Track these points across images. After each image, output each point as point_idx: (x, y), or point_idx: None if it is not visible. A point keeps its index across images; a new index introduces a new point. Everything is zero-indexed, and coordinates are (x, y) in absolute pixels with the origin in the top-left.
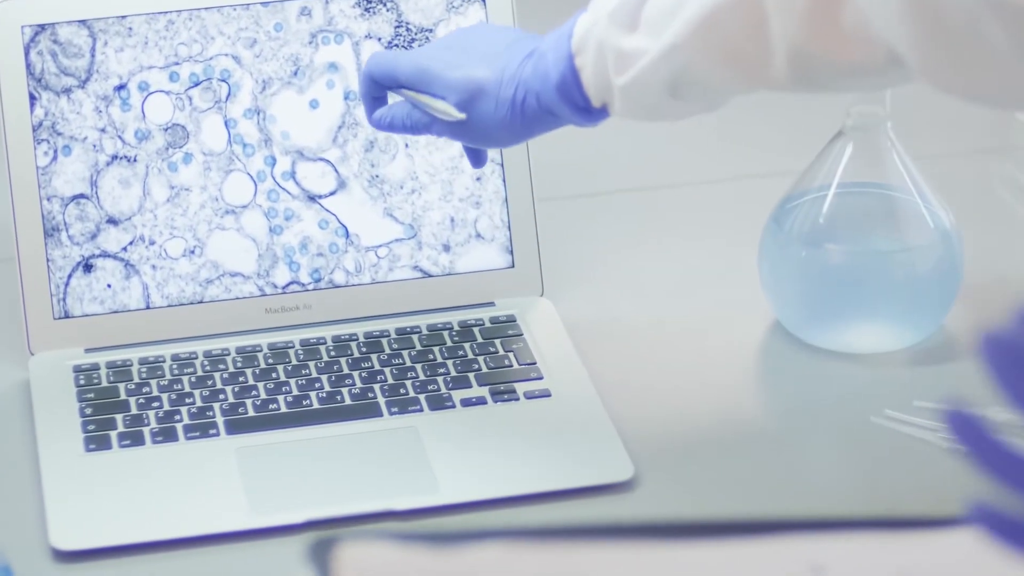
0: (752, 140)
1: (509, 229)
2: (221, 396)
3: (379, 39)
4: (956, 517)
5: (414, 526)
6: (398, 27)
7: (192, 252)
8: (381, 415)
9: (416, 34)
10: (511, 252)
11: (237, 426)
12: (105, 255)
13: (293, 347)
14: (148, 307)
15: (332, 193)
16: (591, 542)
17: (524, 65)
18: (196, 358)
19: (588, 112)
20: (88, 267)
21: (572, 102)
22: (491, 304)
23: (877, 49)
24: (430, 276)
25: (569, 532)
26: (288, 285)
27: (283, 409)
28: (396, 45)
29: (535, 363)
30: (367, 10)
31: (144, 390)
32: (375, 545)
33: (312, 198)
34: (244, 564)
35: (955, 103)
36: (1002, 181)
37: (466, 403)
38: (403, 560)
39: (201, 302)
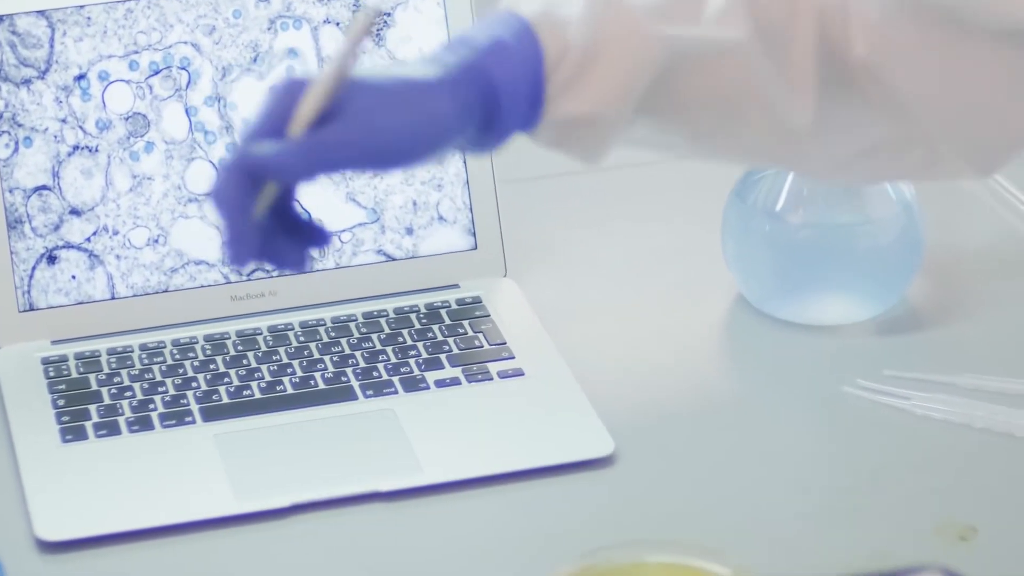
0: None
1: (471, 211)
2: (194, 384)
3: (337, 24)
4: None
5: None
6: (356, 11)
7: (156, 241)
8: (356, 398)
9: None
10: (474, 234)
11: (213, 413)
12: (69, 246)
13: (261, 333)
14: (113, 297)
15: None
16: None
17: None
18: (164, 347)
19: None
20: (52, 259)
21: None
22: (455, 286)
23: None
24: (394, 260)
25: None
26: (253, 272)
27: (257, 395)
28: None
29: (505, 343)
30: None
31: (115, 380)
32: None
33: None
34: (230, 549)
35: None
36: None
37: (440, 384)
38: None
39: (166, 291)
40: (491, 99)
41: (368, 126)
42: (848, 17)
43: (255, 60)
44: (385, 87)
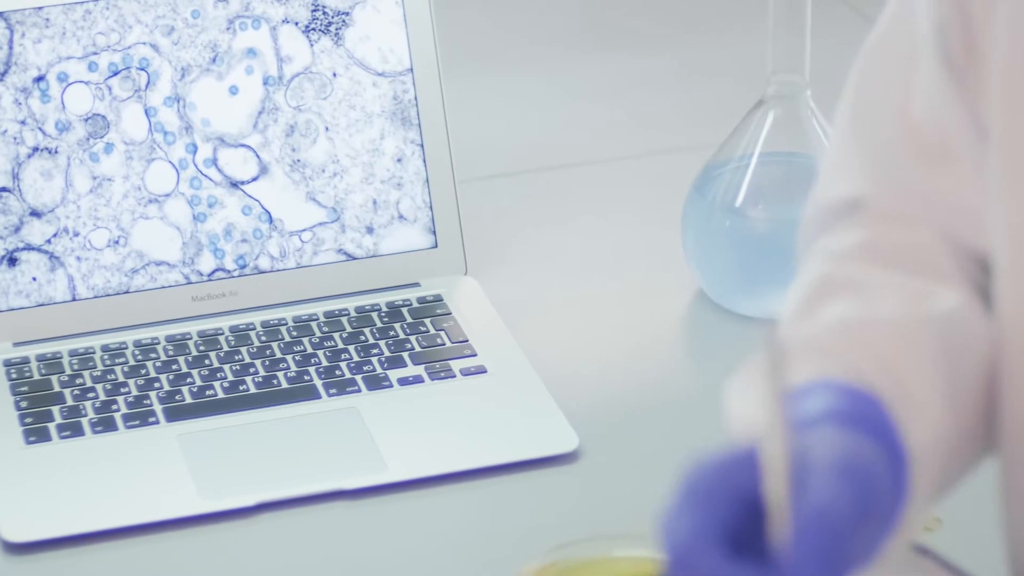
0: (665, 115)
1: (431, 210)
2: (156, 384)
3: (296, 23)
4: None
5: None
6: (315, 11)
7: (116, 242)
8: (319, 397)
9: (332, 17)
10: (434, 233)
11: (176, 413)
12: (29, 248)
13: (223, 334)
14: (74, 299)
15: (254, 179)
16: None
17: None
18: (126, 348)
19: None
20: (12, 260)
21: None
22: (416, 285)
23: None
24: (354, 259)
25: None
26: (213, 272)
27: (220, 395)
28: (313, 29)
29: (467, 341)
30: None
31: (78, 381)
32: None
33: (235, 184)
34: (196, 549)
35: None
36: None
37: (403, 382)
38: None
39: (127, 292)
40: None
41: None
42: None
43: (214, 60)
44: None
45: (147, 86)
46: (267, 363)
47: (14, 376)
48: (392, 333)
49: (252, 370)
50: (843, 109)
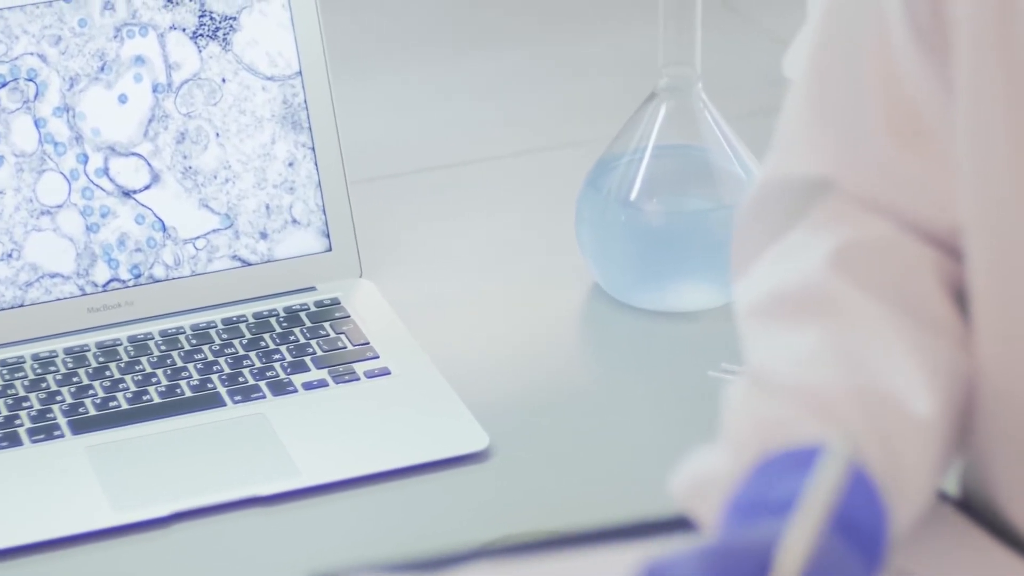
0: (549, 111)
1: (324, 213)
2: (58, 397)
3: (183, 30)
4: None
5: (401, 555)
6: (202, 16)
7: (10, 256)
8: (225, 404)
9: (220, 23)
10: (328, 236)
11: (82, 426)
12: None
13: (121, 344)
14: None
15: (146, 187)
16: (576, 550)
17: None
18: (24, 362)
19: None
20: None
21: None
22: (312, 289)
23: None
24: (249, 264)
25: (555, 542)
26: (109, 283)
27: (124, 406)
28: (201, 35)
29: (368, 343)
30: (170, 1)
31: None
32: None
33: (127, 193)
34: (111, 562)
35: (757, 63)
36: None
37: (308, 387)
38: None
39: (22, 305)
40: None
41: None
42: None
43: (103, 69)
44: None
45: (36, 97)
46: (169, 372)
47: None
48: (292, 338)
49: (154, 380)
50: (803, 78)
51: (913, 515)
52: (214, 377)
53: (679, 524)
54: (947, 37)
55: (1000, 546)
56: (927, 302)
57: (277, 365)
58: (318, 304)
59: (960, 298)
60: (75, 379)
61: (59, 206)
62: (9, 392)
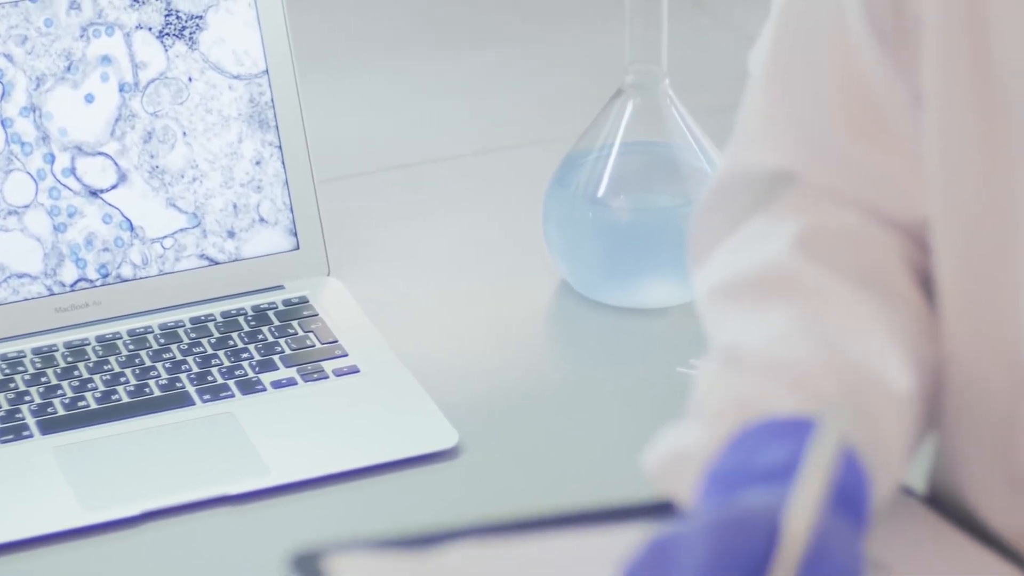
0: (516, 110)
1: (292, 211)
2: (27, 398)
3: (150, 29)
4: None
5: (392, 532)
6: (168, 15)
7: None
8: (194, 404)
9: (186, 22)
10: (295, 234)
11: (50, 426)
12: None
13: (90, 344)
14: None
15: (114, 187)
16: (561, 530)
17: None
18: None
19: None
20: None
21: None
22: (280, 287)
23: None
24: (217, 263)
25: (540, 522)
26: (76, 283)
27: (93, 405)
28: (167, 34)
29: (337, 341)
30: (136, 0)
31: None
32: (363, 554)
33: (94, 193)
34: (81, 561)
35: (723, 59)
36: None
37: (277, 385)
38: (391, 565)
39: None
40: None
41: None
42: None
43: (69, 68)
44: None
45: (2, 97)
46: (137, 372)
47: None
48: (260, 337)
49: (123, 379)
50: (763, 71)
51: (889, 490)
52: (183, 376)
53: (667, 508)
54: (908, 38)
55: (968, 539)
56: (896, 286)
57: (246, 364)
58: (286, 303)
59: (927, 287)
60: (43, 379)
61: (26, 206)
62: None
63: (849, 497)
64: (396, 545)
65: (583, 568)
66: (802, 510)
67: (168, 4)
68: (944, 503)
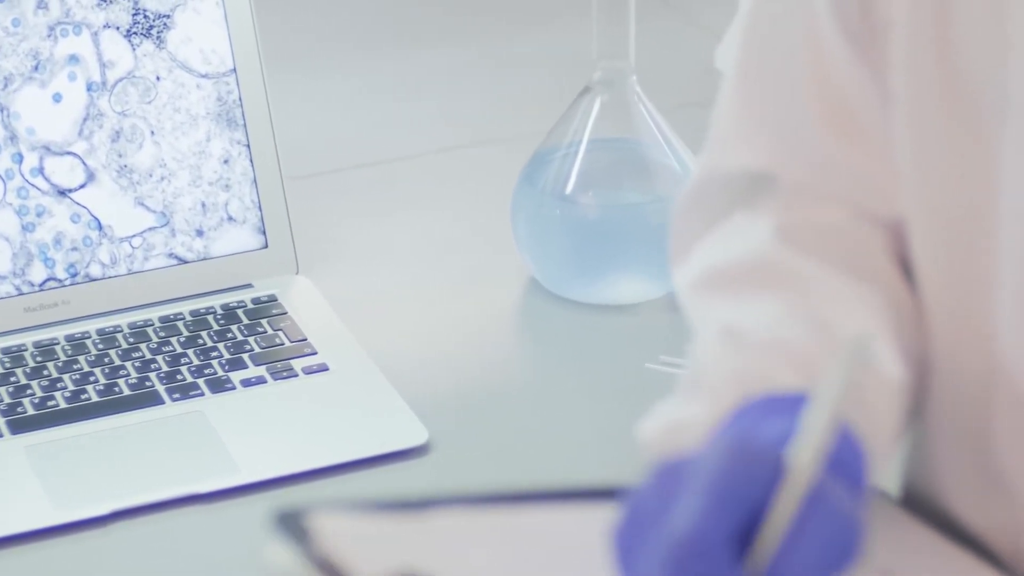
0: (483, 107)
1: (260, 210)
2: None
3: (117, 28)
4: None
5: (379, 494)
6: (135, 14)
7: None
8: (163, 402)
9: (154, 21)
10: (264, 233)
11: (20, 425)
12: None
13: (59, 343)
14: None
15: (82, 186)
16: (545, 503)
17: None
18: None
19: None
20: None
21: None
22: (249, 286)
23: None
24: (186, 262)
25: (523, 496)
26: (45, 282)
27: (63, 405)
28: (135, 33)
29: (306, 339)
30: None
31: None
32: (346, 514)
33: (62, 192)
34: (52, 560)
35: (690, 55)
36: None
37: (247, 383)
38: (374, 526)
39: None
40: None
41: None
42: None
43: (36, 68)
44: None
45: None
46: (107, 371)
47: None
48: (230, 335)
49: (92, 378)
50: (735, 72)
51: (877, 471)
52: (152, 375)
53: None
54: (877, 39)
55: (943, 539)
56: (882, 277)
57: (215, 362)
58: (255, 301)
59: (912, 282)
60: (12, 379)
61: None
62: None
63: (846, 469)
64: (380, 508)
65: (567, 536)
66: (809, 444)
67: (135, 3)
68: (918, 503)
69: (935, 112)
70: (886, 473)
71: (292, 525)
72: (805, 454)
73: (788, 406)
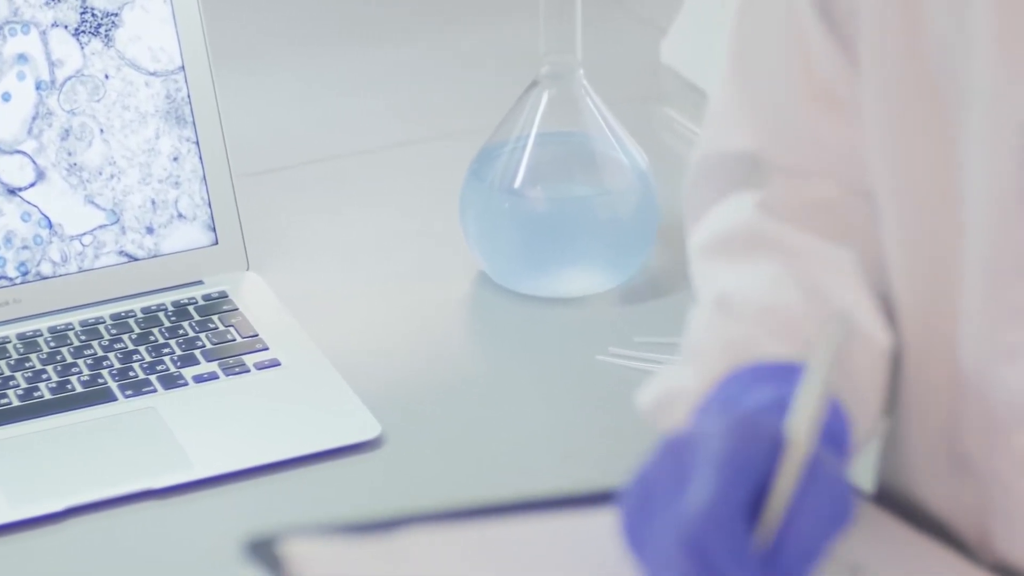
0: (430, 104)
1: (210, 207)
2: None
3: (65, 27)
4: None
5: (348, 519)
6: (83, 13)
7: None
8: (116, 399)
9: (102, 19)
10: (214, 229)
11: None
12: None
13: (10, 341)
14: None
15: (32, 185)
16: (517, 516)
17: None
18: None
19: None
20: None
21: None
22: (199, 283)
23: None
24: (136, 260)
25: (496, 509)
26: None
27: (16, 402)
28: (83, 32)
29: (257, 335)
30: None
31: None
32: (319, 540)
33: (12, 191)
34: (6, 556)
35: (637, 50)
36: (662, 124)
37: (199, 379)
38: (347, 551)
39: None
40: None
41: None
42: None
43: None
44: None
45: None
46: (59, 368)
47: None
48: (181, 332)
49: (44, 376)
50: (727, 58)
51: (860, 441)
52: (104, 372)
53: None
54: (855, 23)
55: (913, 532)
56: (869, 245)
57: (167, 359)
58: (206, 297)
59: None
60: None
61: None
62: None
63: (835, 439)
64: (352, 530)
65: (541, 551)
66: (804, 418)
67: (83, 2)
68: (889, 495)
69: (903, 93)
70: (861, 469)
71: (265, 553)
72: (801, 428)
73: (774, 374)
